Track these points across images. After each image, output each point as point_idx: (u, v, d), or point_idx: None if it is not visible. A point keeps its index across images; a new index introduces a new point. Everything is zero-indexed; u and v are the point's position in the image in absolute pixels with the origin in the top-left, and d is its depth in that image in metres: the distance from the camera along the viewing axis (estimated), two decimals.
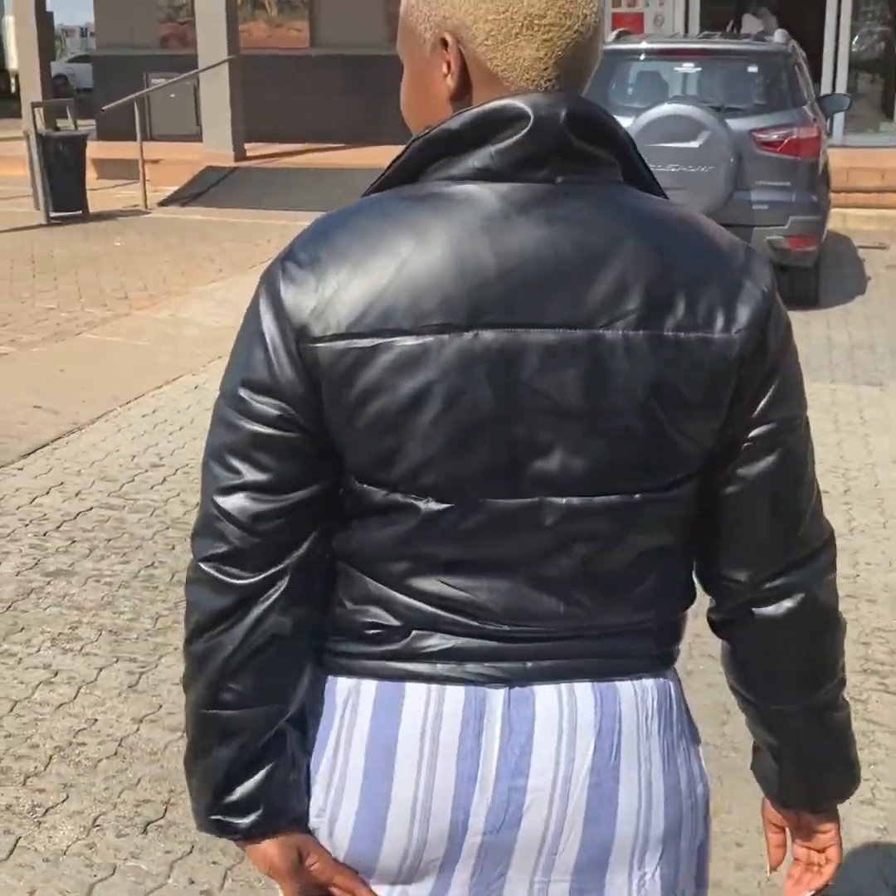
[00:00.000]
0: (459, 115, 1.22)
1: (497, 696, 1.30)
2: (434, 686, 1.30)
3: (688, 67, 8.52)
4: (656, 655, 1.38)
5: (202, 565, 1.28)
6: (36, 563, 4.34)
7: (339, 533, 1.31)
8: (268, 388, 1.22)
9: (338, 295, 1.20)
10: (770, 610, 1.36)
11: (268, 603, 1.27)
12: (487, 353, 1.21)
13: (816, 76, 12.59)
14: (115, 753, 3.19)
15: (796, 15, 15.36)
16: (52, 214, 11.63)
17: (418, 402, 1.20)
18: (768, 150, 7.93)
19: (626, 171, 1.29)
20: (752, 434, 1.30)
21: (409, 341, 1.19)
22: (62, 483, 5.13)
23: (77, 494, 5.00)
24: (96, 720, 3.34)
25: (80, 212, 11.86)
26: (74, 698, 3.45)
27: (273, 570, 1.27)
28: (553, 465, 1.25)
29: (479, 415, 1.22)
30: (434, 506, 1.25)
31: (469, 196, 1.22)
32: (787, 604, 1.36)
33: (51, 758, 3.17)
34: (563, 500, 1.26)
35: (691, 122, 7.75)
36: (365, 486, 1.27)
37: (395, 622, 1.30)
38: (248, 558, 1.26)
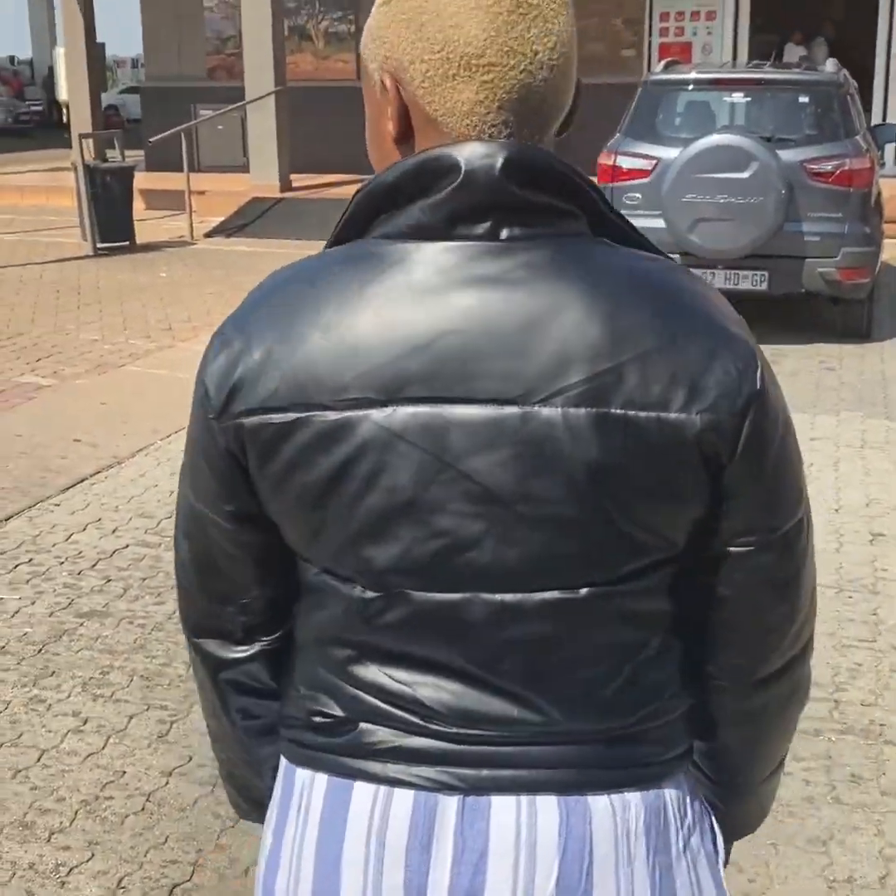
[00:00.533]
0: (395, 165, 1.11)
1: (450, 805, 1.17)
2: (382, 788, 1.18)
3: (737, 97, 8.41)
4: (645, 764, 1.21)
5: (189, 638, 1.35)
6: (70, 603, 4.26)
7: (298, 612, 1.26)
8: (208, 488, 1.22)
9: (260, 369, 1.13)
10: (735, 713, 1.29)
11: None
12: (407, 430, 1.10)
13: (868, 106, 12.44)
14: (143, 809, 3.08)
15: (848, 44, 15.24)
16: (99, 245, 11.67)
17: (336, 481, 1.12)
18: (820, 180, 7.78)
19: (596, 223, 1.14)
20: (731, 537, 1.17)
21: (329, 416, 1.10)
22: (99, 519, 5.06)
23: (114, 531, 4.93)
24: (125, 772, 3.24)
25: (127, 242, 11.89)
26: (103, 748, 3.36)
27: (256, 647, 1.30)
28: (483, 558, 1.12)
29: (397, 499, 1.11)
30: (359, 593, 1.16)
31: (400, 257, 1.11)
32: (748, 728, 1.29)
33: (76, 812, 3.07)
34: (497, 597, 1.13)
35: (740, 153, 7.62)
36: (302, 561, 1.20)
37: (340, 712, 1.21)
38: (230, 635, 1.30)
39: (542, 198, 1.10)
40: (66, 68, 16.18)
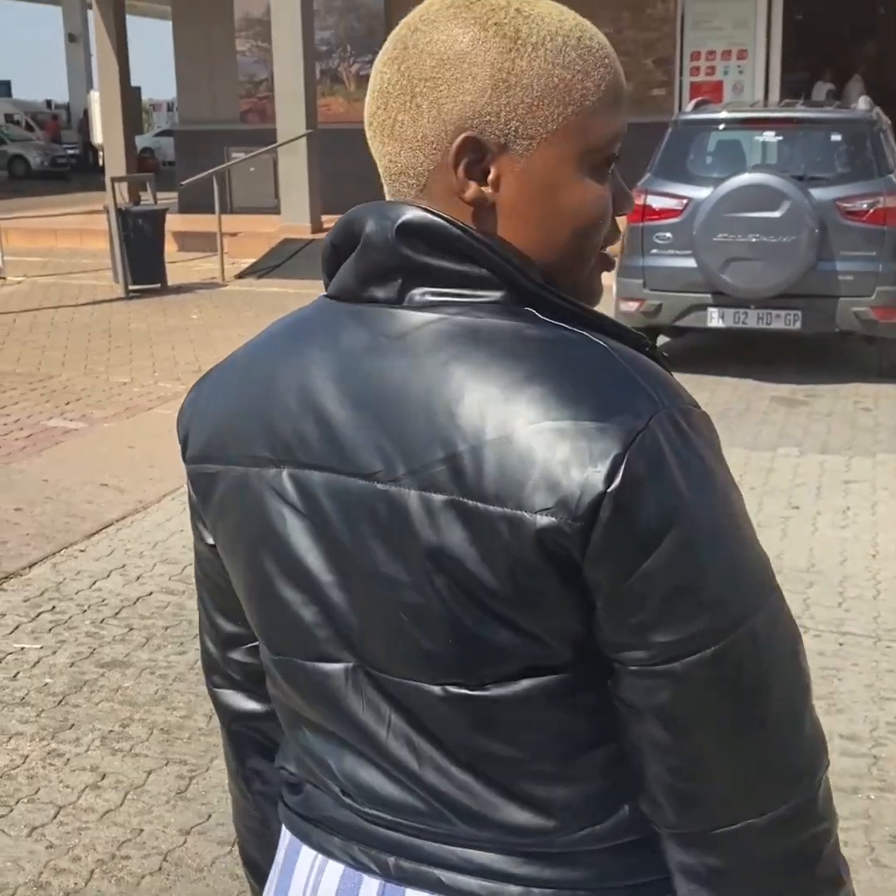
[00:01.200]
0: (336, 222, 1.12)
1: (372, 888, 1.11)
2: (319, 855, 1.16)
3: (769, 136, 8.35)
4: (572, 888, 1.07)
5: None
6: (91, 653, 4.20)
7: None
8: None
9: (200, 420, 1.18)
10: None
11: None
12: (290, 494, 1.09)
13: None
14: (160, 869, 3.00)
15: (884, 81, 15.19)
16: (131, 287, 11.72)
17: (238, 533, 1.14)
18: (853, 219, 7.70)
19: (513, 288, 1.05)
20: (615, 652, 1.01)
21: (237, 471, 1.13)
22: (124, 565, 5.01)
23: (138, 578, 4.88)
24: (142, 830, 3.16)
25: (159, 285, 11.94)
26: (121, 805, 3.28)
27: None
28: (355, 632, 1.07)
29: (281, 560, 1.10)
30: (267, 652, 1.16)
31: (319, 318, 1.12)
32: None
33: (92, 872, 3.00)
34: (374, 673, 1.07)
35: (772, 192, 7.56)
36: None
37: (295, 771, 1.20)
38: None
39: (444, 262, 1.04)
40: (100, 112, 16.34)
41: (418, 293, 1.05)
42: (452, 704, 1.04)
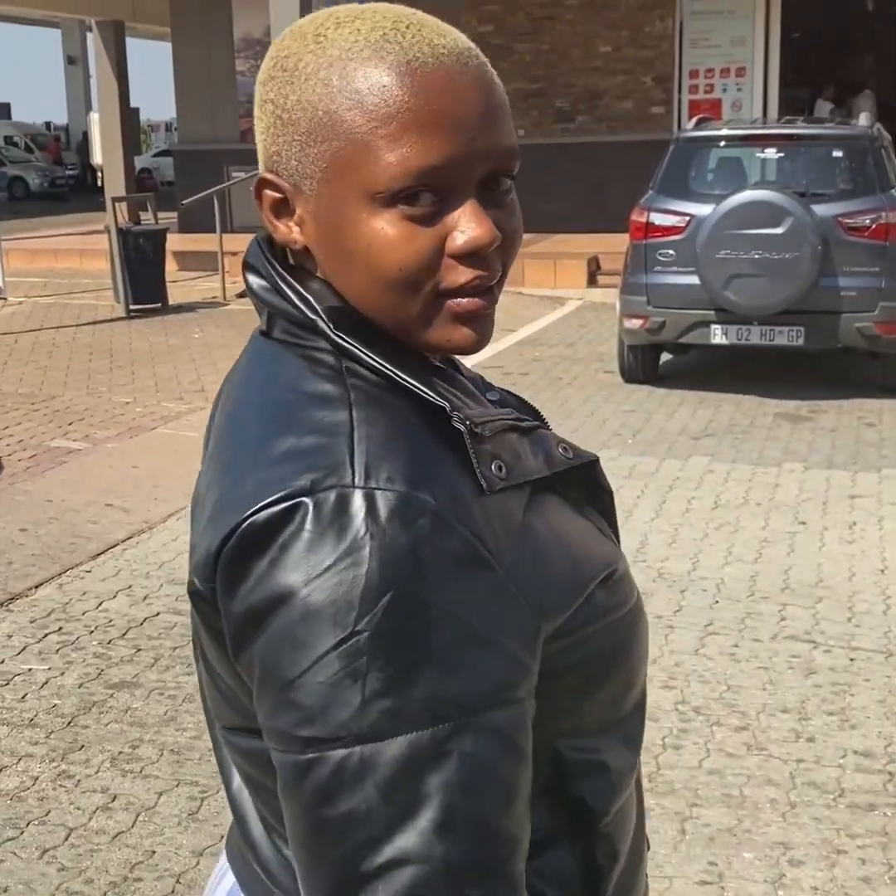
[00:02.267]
0: None
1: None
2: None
3: (770, 153, 8.37)
4: None
5: None
6: (99, 674, 4.18)
7: None
8: None
9: None
10: None
11: None
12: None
13: None
14: (173, 891, 2.98)
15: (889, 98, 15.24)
16: (132, 307, 11.71)
17: None
18: (856, 235, 7.71)
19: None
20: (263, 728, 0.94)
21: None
22: (130, 586, 4.99)
23: (144, 599, 4.85)
24: (154, 852, 3.14)
25: (160, 304, 11.94)
26: (132, 826, 3.26)
27: None
28: None
29: None
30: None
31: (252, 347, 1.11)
32: None
33: (105, 895, 2.97)
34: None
35: (774, 208, 7.57)
36: None
37: None
38: None
39: (279, 302, 1.02)
40: (100, 133, 16.38)
41: (278, 328, 1.03)
42: (222, 741, 1.10)
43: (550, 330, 10.80)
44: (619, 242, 8.82)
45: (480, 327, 0.99)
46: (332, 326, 0.98)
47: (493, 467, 0.97)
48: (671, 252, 7.98)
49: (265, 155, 1.00)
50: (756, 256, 7.57)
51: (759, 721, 3.79)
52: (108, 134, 16.01)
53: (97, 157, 16.96)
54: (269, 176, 1.00)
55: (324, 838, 0.87)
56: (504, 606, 0.92)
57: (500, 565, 0.92)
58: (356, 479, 0.89)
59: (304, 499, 0.89)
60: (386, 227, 0.94)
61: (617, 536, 1.16)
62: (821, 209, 7.68)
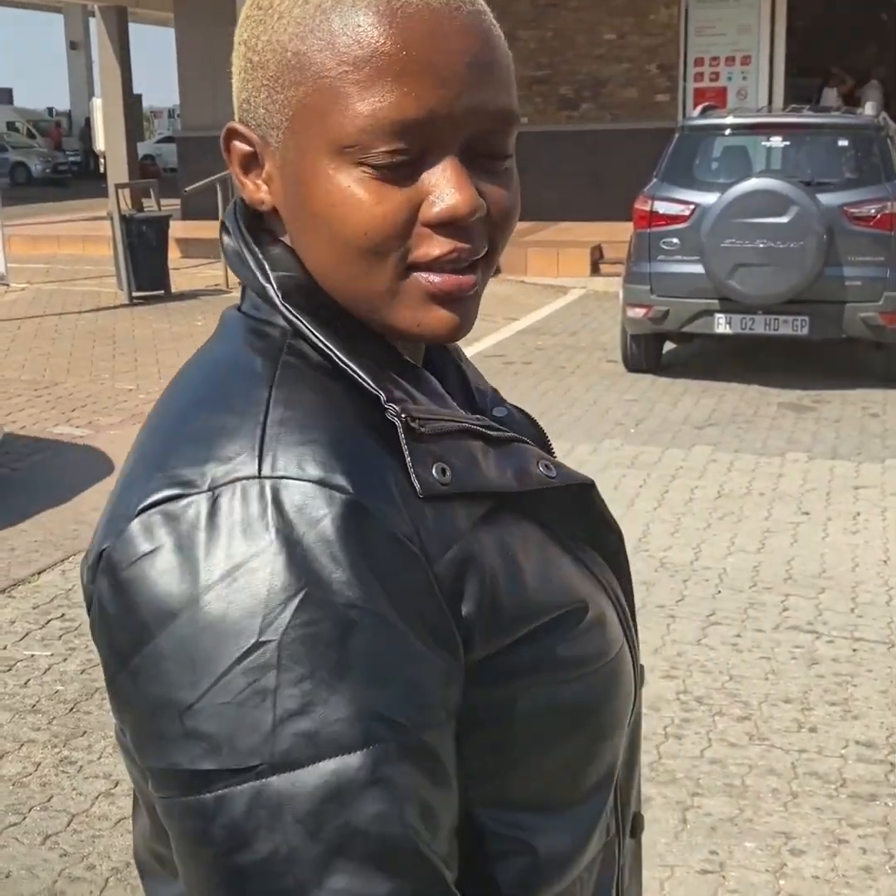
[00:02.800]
0: None
1: None
2: None
3: (775, 142, 8.33)
4: None
5: None
6: None
7: None
8: None
9: None
10: None
11: None
12: None
13: None
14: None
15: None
16: (135, 294, 11.70)
17: None
18: (861, 224, 7.69)
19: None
20: None
21: None
22: None
23: None
24: None
25: (163, 291, 11.92)
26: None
27: None
28: None
29: None
30: None
31: None
32: None
33: (107, 881, 2.98)
34: None
35: (779, 197, 7.55)
36: None
37: None
38: None
39: (235, 263, 0.93)
40: (103, 119, 16.34)
41: (247, 302, 0.93)
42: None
43: (553, 319, 10.78)
44: (622, 231, 8.81)
45: (458, 310, 0.87)
46: (280, 295, 0.88)
47: (434, 470, 0.84)
48: (675, 241, 7.96)
49: (236, 103, 0.90)
50: (761, 245, 7.56)
51: (761, 711, 3.79)
52: (111, 120, 15.97)
53: (100, 144, 16.90)
54: (238, 126, 0.89)
55: (244, 889, 0.74)
56: (435, 611, 0.80)
57: (432, 568, 0.81)
58: (262, 469, 0.78)
59: (199, 495, 0.78)
60: (353, 185, 0.83)
61: (624, 585, 1.00)
62: (826, 198, 7.66)
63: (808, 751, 3.55)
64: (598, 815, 0.93)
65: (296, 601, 0.75)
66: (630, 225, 8.42)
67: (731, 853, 3.08)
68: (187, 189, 13.58)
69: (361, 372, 0.86)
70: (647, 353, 8.40)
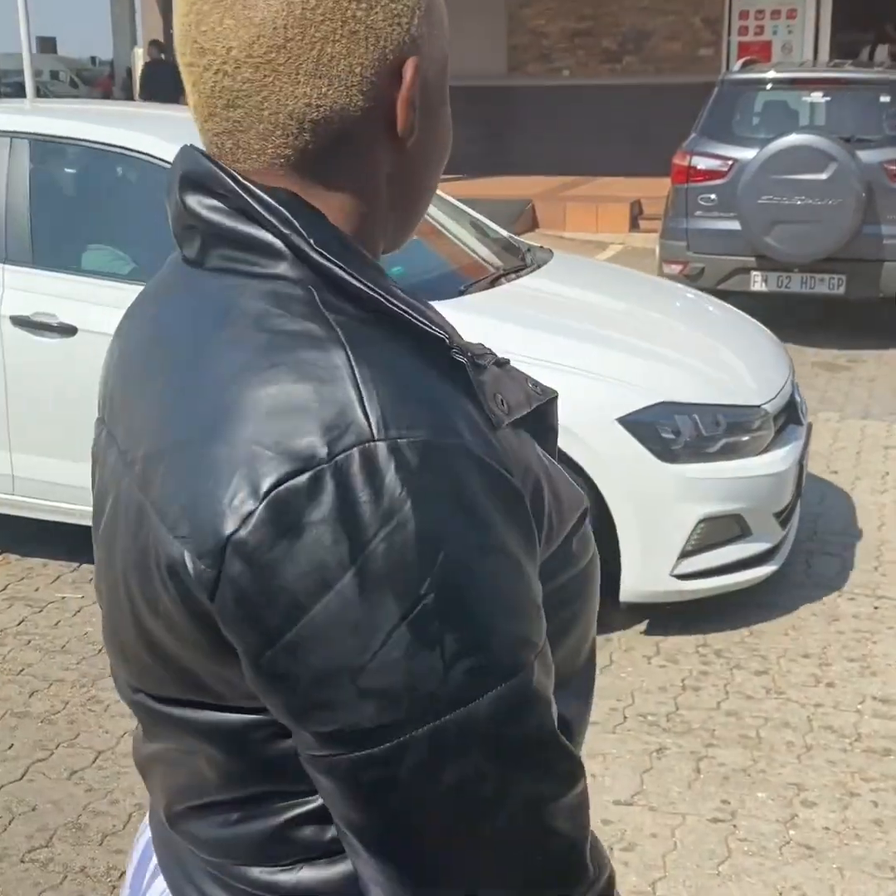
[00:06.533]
0: None
1: None
2: None
3: (816, 97, 8.23)
4: None
5: None
6: None
7: None
8: None
9: None
10: None
11: None
12: (97, 460, 1.03)
13: None
14: None
15: None
16: None
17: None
18: None
19: (299, 260, 0.89)
20: (291, 726, 0.86)
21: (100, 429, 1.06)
22: None
23: None
24: None
25: None
26: None
27: None
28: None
29: (96, 531, 1.01)
30: None
31: (164, 278, 1.02)
32: None
33: (130, 816, 3.06)
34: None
35: (819, 154, 7.47)
36: None
37: None
38: None
39: (229, 222, 0.91)
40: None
41: (215, 255, 0.92)
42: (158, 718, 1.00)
43: None
44: (663, 187, 8.73)
45: None
46: (312, 242, 0.88)
47: (497, 401, 0.91)
48: (713, 197, 7.90)
49: (409, 37, 0.91)
50: (799, 202, 7.49)
51: (779, 665, 3.81)
52: None
53: (140, 94, 16.89)
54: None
55: (442, 814, 0.84)
56: (530, 531, 0.88)
57: (522, 494, 0.88)
58: (375, 432, 0.80)
59: (322, 466, 0.79)
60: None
61: None
62: (866, 155, 7.58)
63: (824, 705, 3.58)
64: (591, 681, 1.07)
65: (442, 554, 0.80)
66: (670, 181, 8.36)
67: (742, 803, 3.12)
68: None
69: (419, 317, 0.89)
70: None
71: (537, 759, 0.86)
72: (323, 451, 0.79)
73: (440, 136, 0.98)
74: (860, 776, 3.23)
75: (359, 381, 0.82)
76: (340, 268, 0.88)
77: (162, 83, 14.72)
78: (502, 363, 0.99)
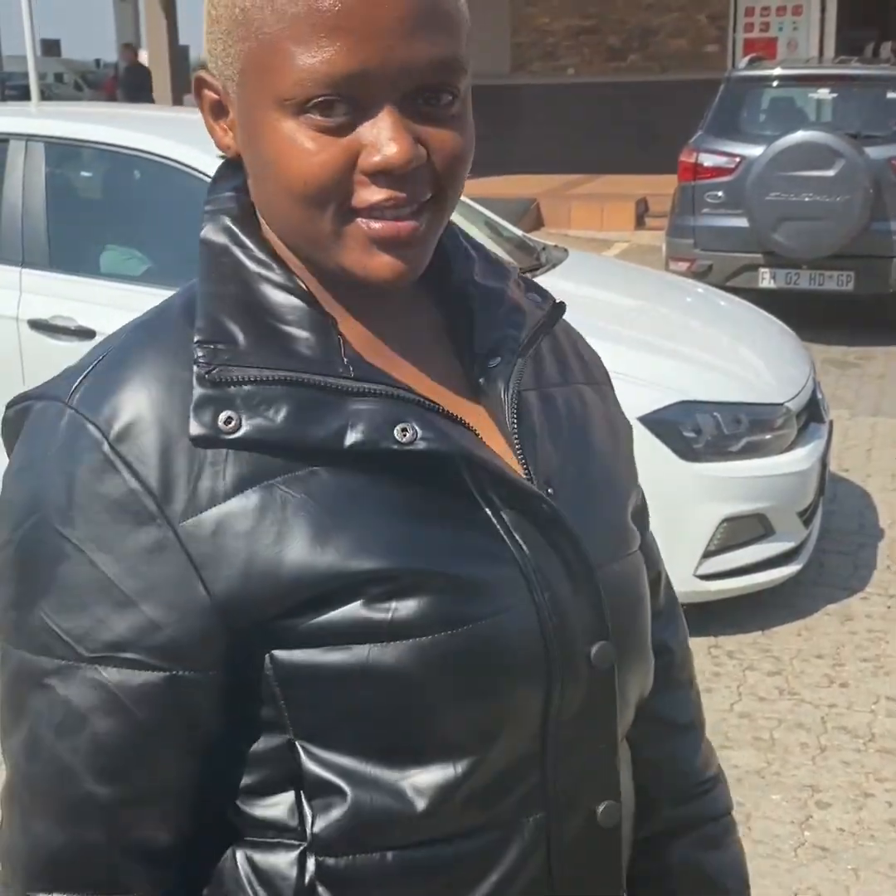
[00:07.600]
0: None
1: None
2: None
3: (823, 93, 8.21)
4: None
5: None
6: None
7: None
8: None
9: None
10: None
11: None
12: None
13: None
14: None
15: None
16: None
17: None
18: None
19: None
20: None
21: None
22: None
23: None
24: None
25: None
26: None
27: None
28: None
29: None
30: None
31: None
32: None
33: None
34: None
35: (826, 150, 7.44)
36: None
37: None
38: None
39: None
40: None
41: None
42: None
43: None
44: (668, 184, 8.71)
45: (402, 255, 0.88)
46: (202, 231, 0.95)
47: (220, 419, 0.86)
48: (720, 194, 7.88)
49: (205, 53, 0.93)
50: (806, 199, 7.46)
51: (792, 666, 3.79)
52: (157, 72, 15.98)
53: None
54: (205, 75, 0.92)
55: None
56: (157, 570, 0.85)
57: (175, 525, 0.84)
58: (69, 396, 0.89)
59: (30, 402, 0.92)
60: (295, 135, 0.85)
61: (569, 555, 0.94)
62: (874, 151, 7.55)
63: (837, 705, 3.56)
64: (453, 787, 0.89)
65: (30, 521, 0.87)
66: (676, 178, 8.34)
67: (756, 805, 3.10)
68: None
69: (204, 308, 0.90)
70: None
71: (22, 743, 0.90)
72: (36, 393, 0.92)
73: (263, 152, 0.88)
74: (874, 777, 3.21)
75: (105, 348, 0.94)
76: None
77: (140, 85, 14.85)
78: (350, 393, 0.88)
